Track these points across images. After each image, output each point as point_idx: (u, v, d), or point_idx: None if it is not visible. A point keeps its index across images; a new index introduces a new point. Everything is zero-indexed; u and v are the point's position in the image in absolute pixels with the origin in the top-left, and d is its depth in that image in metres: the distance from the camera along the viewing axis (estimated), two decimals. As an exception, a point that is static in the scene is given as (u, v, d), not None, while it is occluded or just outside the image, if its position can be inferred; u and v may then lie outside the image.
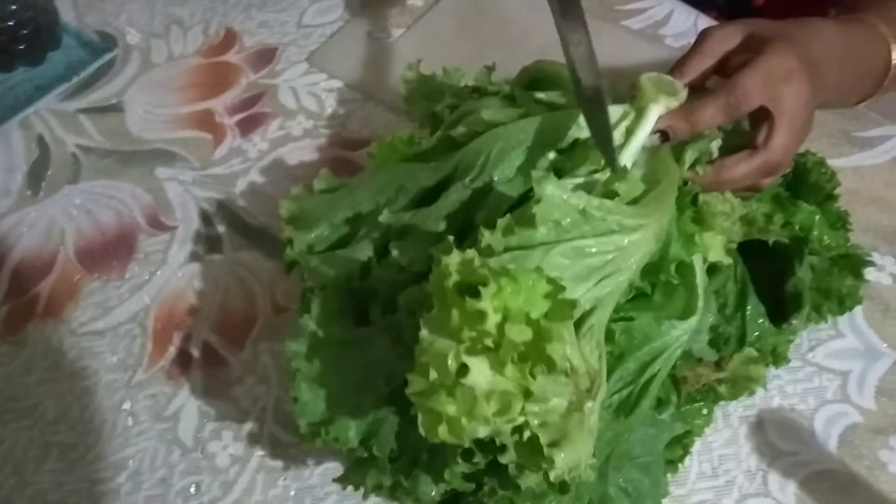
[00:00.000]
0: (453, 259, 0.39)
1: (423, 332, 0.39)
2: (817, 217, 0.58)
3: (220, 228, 0.71)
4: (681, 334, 0.50)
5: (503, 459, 0.42)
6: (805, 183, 0.60)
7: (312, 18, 0.87)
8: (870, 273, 0.61)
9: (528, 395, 0.38)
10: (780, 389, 0.61)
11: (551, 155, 0.52)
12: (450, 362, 0.37)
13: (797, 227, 0.56)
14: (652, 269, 0.49)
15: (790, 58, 0.52)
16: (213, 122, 0.79)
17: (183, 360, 0.64)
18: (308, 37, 0.85)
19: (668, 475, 0.54)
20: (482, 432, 0.38)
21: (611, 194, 0.47)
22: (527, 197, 0.48)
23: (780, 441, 0.59)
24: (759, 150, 0.53)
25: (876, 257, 0.66)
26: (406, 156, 0.59)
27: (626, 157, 0.50)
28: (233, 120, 0.79)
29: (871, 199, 0.70)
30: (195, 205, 0.73)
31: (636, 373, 0.50)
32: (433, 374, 0.38)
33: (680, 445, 0.54)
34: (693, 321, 0.51)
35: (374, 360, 0.50)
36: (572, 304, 0.39)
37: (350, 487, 0.52)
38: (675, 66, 0.55)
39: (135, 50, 0.85)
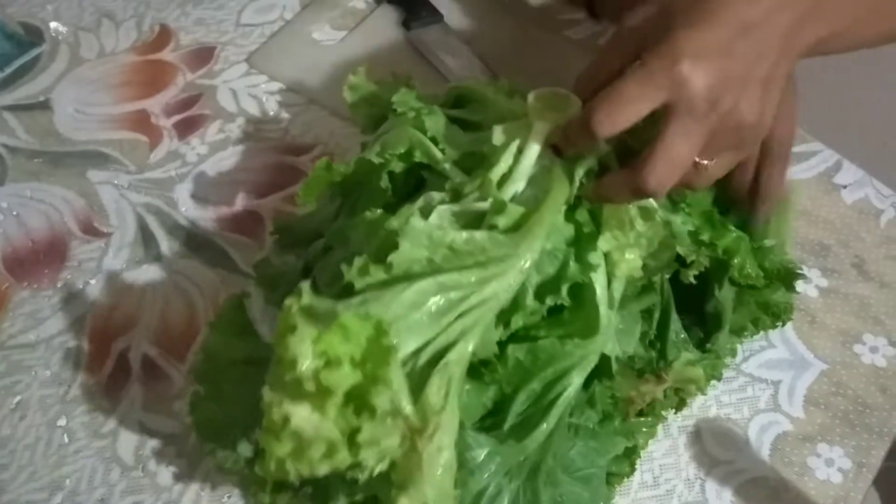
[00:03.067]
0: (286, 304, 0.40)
1: (267, 376, 0.40)
2: (743, 244, 0.57)
3: (159, 235, 0.69)
4: (585, 354, 0.51)
5: (357, 495, 0.43)
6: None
7: (251, 17, 0.85)
8: (798, 285, 0.64)
9: (353, 441, 0.39)
10: (717, 399, 0.63)
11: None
12: (275, 411, 0.39)
13: (720, 251, 0.55)
14: (548, 290, 0.49)
15: (676, 57, 0.43)
16: (149, 124, 0.76)
17: (121, 374, 0.62)
18: (247, 36, 0.83)
19: (615, 486, 0.56)
20: (318, 472, 0.39)
21: (491, 227, 0.47)
22: None
23: (716, 450, 0.61)
24: (634, 169, 0.46)
25: (803, 270, 0.69)
26: (330, 183, 0.58)
27: (517, 178, 0.50)
28: (170, 121, 0.76)
29: (798, 214, 0.73)
30: (131, 210, 0.70)
31: (541, 393, 0.50)
32: (265, 419, 0.39)
33: (627, 462, 0.55)
34: (598, 340, 0.51)
35: None
36: (391, 349, 0.40)
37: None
38: (575, 84, 0.53)
39: (63, 44, 0.81)
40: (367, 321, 0.40)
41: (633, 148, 0.53)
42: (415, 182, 0.56)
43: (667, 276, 0.56)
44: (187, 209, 0.71)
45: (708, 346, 0.59)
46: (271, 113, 0.77)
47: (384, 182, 0.54)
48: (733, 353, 0.62)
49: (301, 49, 0.82)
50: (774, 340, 0.66)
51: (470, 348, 0.45)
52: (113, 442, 0.59)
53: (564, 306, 0.50)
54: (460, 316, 0.45)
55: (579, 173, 0.51)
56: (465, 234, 0.46)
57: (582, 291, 0.50)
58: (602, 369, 0.52)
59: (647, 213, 0.52)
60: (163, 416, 0.60)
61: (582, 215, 0.51)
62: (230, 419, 0.50)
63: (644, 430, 0.57)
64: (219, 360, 0.51)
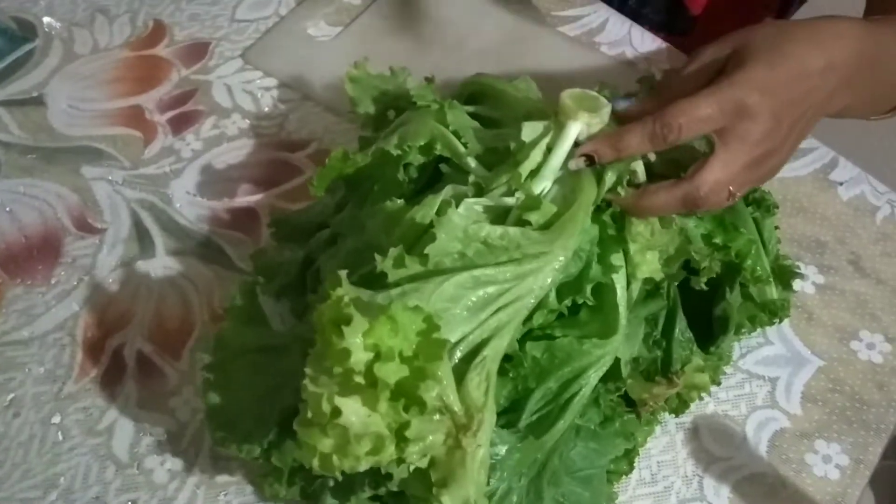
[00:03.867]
0: (335, 294, 0.40)
1: (307, 368, 0.39)
2: (754, 247, 0.57)
3: (153, 232, 0.69)
4: (603, 354, 0.51)
5: (391, 487, 0.42)
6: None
7: (246, 13, 0.84)
8: (794, 283, 0.64)
9: (401, 436, 0.39)
10: (714, 396, 0.63)
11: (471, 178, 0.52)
12: (324, 403, 0.38)
13: (733, 254, 0.56)
14: (571, 290, 0.49)
15: (748, 90, 0.49)
16: (143, 119, 0.76)
17: (116, 371, 0.61)
18: (242, 32, 0.83)
19: (614, 484, 0.56)
20: (360, 467, 0.39)
21: (523, 222, 0.47)
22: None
23: (714, 446, 0.61)
24: (685, 180, 0.50)
25: (800, 267, 0.69)
26: (343, 173, 0.57)
27: (546, 175, 0.51)
28: (164, 117, 0.76)
29: (794, 210, 0.73)
30: (126, 206, 0.70)
31: (557, 392, 0.50)
32: (309, 412, 0.38)
33: (626, 460, 0.55)
34: (616, 341, 0.51)
35: (286, 370, 0.49)
36: (443, 343, 0.40)
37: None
38: (660, 82, 0.55)
39: (56, 39, 0.81)
40: (417, 314, 0.39)
41: (653, 169, 0.54)
42: (429, 176, 0.56)
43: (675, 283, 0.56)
44: (182, 205, 0.70)
45: (712, 349, 0.58)
46: (266, 109, 0.77)
47: (401, 174, 0.53)
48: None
49: (296, 45, 0.82)
50: (772, 337, 0.66)
51: (504, 345, 0.45)
52: (108, 439, 0.59)
53: (582, 307, 0.50)
54: (496, 312, 0.45)
55: (610, 177, 0.51)
56: (499, 230, 0.46)
57: (603, 292, 0.51)
58: (612, 372, 0.52)
59: (665, 220, 0.53)
60: (158, 414, 0.60)
61: (607, 217, 0.51)
62: (242, 408, 0.49)
63: (644, 428, 0.57)
64: (230, 348, 0.50)
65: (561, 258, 0.47)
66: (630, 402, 0.56)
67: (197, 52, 0.81)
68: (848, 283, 0.69)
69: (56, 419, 0.59)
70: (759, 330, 0.65)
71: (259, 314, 0.52)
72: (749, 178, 0.52)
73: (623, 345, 0.52)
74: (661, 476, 0.60)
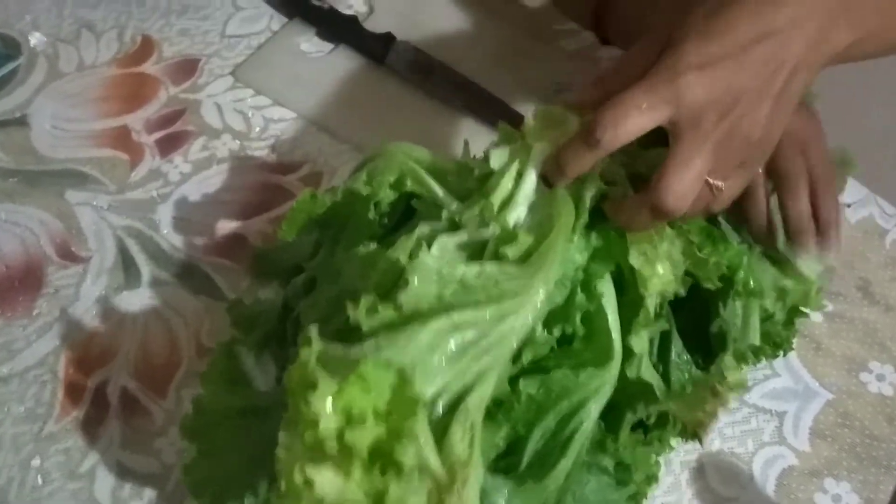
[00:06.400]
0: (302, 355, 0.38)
1: (280, 434, 0.37)
2: (745, 258, 0.55)
3: (140, 260, 0.66)
4: (601, 384, 0.48)
5: None
6: None
7: (237, 28, 0.82)
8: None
9: (379, 502, 0.37)
10: (720, 432, 0.61)
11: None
12: (296, 475, 0.36)
13: (725, 266, 0.53)
14: (559, 319, 0.47)
15: (681, 68, 0.42)
16: (130, 140, 0.73)
17: (99, 410, 0.59)
18: (233, 48, 0.80)
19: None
20: None
21: (500, 256, 0.45)
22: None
23: (720, 486, 0.59)
24: (649, 189, 0.45)
25: (808, 294, 0.66)
26: (313, 215, 0.55)
27: (520, 203, 0.48)
28: (151, 138, 0.73)
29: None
30: (111, 233, 0.68)
31: (556, 429, 0.48)
32: (283, 484, 0.36)
33: (647, 481, 0.53)
34: (613, 368, 0.49)
35: (272, 432, 0.46)
36: (417, 400, 0.38)
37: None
38: (592, 82, 0.49)
39: (41, 56, 0.78)
40: (388, 370, 0.37)
41: (647, 177, 0.51)
42: (401, 213, 0.54)
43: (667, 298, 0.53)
44: (169, 231, 0.68)
45: (712, 368, 0.56)
46: (257, 129, 0.75)
47: (372, 213, 0.51)
48: (743, 385, 0.59)
49: (289, 61, 0.79)
50: (779, 369, 0.64)
51: (489, 391, 0.43)
52: (90, 483, 0.57)
53: (574, 336, 0.48)
54: (477, 357, 0.42)
55: (588, 196, 0.49)
56: (475, 268, 0.43)
57: (593, 318, 0.48)
58: (645, 395, 0.50)
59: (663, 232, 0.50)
60: (142, 455, 0.57)
61: (591, 241, 0.49)
62: (228, 476, 0.46)
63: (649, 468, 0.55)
64: (211, 413, 0.48)
65: (542, 292, 0.45)
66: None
67: (186, 69, 0.78)
68: (857, 311, 0.67)
69: (36, 462, 0.57)
70: (763, 362, 0.63)
71: (240, 374, 0.49)
72: (729, 160, 0.45)
73: (648, 366, 0.50)
74: (666, 518, 0.58)
